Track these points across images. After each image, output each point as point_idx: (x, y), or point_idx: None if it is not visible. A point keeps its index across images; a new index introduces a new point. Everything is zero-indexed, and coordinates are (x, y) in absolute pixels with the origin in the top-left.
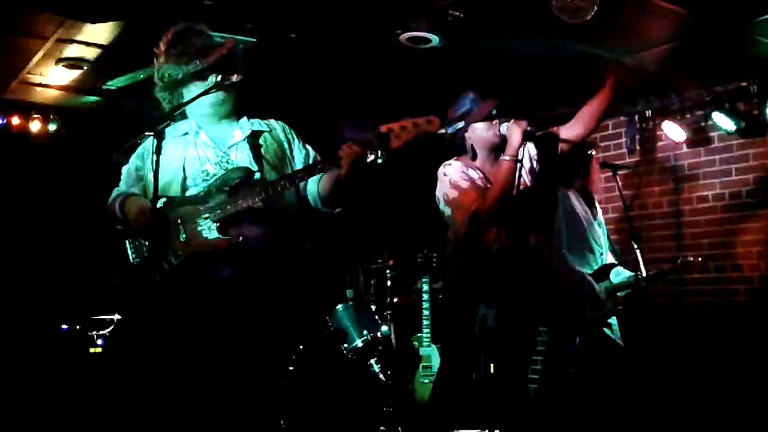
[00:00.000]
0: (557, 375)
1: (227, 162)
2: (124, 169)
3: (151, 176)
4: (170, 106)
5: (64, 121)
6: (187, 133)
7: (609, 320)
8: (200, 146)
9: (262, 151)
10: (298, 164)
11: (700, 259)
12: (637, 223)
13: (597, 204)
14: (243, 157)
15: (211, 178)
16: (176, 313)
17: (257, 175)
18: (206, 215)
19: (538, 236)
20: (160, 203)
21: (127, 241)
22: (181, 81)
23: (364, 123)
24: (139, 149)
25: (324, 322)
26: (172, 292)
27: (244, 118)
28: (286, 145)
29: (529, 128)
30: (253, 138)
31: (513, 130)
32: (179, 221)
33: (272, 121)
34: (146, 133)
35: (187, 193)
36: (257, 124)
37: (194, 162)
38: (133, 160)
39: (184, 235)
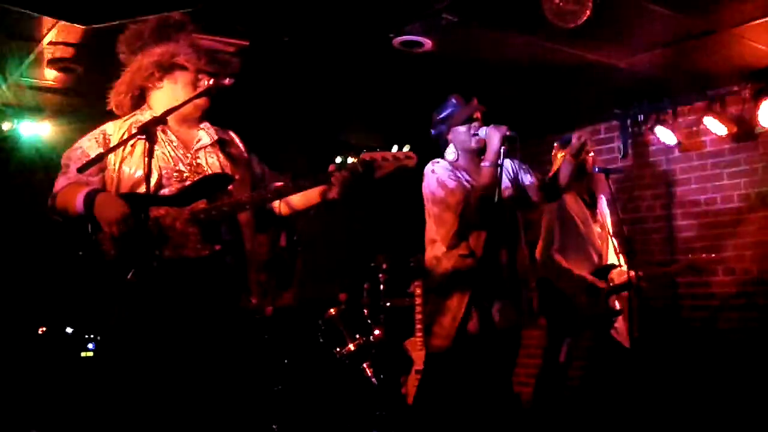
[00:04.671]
0: (554, 375)
1: (197, 165)
2: (77, 153)
3: (115, 170)
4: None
5: (56, 124)
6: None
7: (613, 321)
8: (170, 145)
9: (230, 159)
10: (257, 178)
11: (704, 255)
12: (630, 227)
13: (600, 204)
14: (213, 162)
15: (185, 179)
16: (154, 315)
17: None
18: (189, 219)
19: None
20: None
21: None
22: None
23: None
24: (95, 134)
25: (316, 326)
26: (148, 295)
27: (207, 123)
28: (246, 156)
29: (508, 133)
30: (221, 145)
31: (492, 135)
32: (160, 223)
33: (230, 132)
34: (138, 136)
35: (159, 193)
36: (220, 131)
37: (167, 161)
38: (93, 146)
39: (166, 239)
